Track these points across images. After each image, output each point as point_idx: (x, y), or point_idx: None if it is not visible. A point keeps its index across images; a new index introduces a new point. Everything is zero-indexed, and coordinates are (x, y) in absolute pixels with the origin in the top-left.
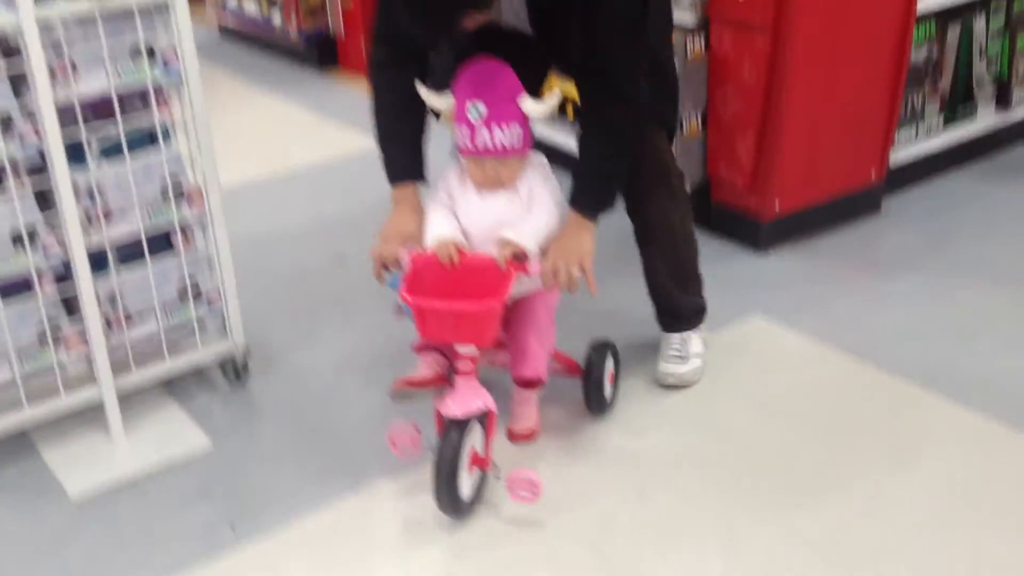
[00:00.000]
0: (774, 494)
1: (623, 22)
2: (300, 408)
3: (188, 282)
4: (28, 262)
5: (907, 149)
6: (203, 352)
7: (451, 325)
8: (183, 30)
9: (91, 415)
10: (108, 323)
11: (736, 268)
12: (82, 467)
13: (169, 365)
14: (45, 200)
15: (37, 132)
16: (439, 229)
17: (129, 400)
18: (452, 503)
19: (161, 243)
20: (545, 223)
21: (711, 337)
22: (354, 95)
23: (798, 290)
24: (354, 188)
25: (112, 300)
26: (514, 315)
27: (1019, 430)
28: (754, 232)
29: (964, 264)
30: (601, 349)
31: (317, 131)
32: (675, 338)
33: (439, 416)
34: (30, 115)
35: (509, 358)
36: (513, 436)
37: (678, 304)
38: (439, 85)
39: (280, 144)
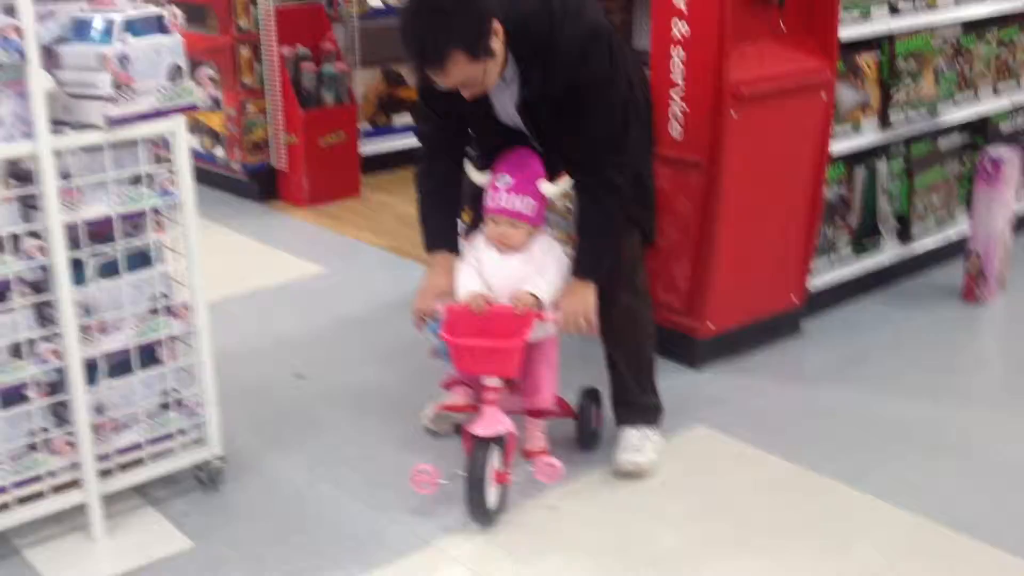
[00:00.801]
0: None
1: (607, 119)
2: (276, 510)
3: (170, 392)
4: (25, 372)
5: (822, 276)
6: (182, 458)
7: (483, 359)
8: (182, 159)
9: (72, 518)
10: (95, 429)
11: (676, 383)
12: (67, 567)
13: (150, 470)
14: (41, 314)
15: (41, 250)
16: (469, 284)
17: (110, 505)
18: (481, 510)
19: (147, 355)
20: (555, 280)
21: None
22: (296, 225)
23: (733, 402)
24: (304, 309)
25: (100, 409)
26: (529, 356)
27: (942, 523)
28: (690, 350)
29: (877, 379)
30: (590, 394)
31: (264, 258)
32: (634, 433)
33: (467, 436)
34: (34, 235)
35: (523, 393)
36: (528, 454)
37: (636, 399)
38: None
39: (230, 269)
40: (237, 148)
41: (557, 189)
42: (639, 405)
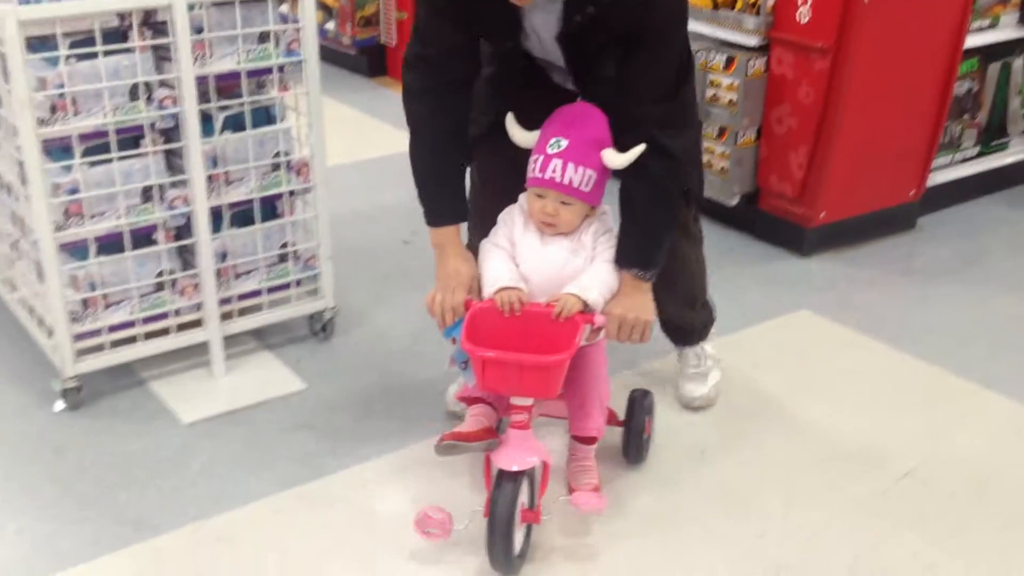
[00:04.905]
0: (827, 461)
1: (664, 72)
2: (383, 363)
3: (288, 245)
4: (154, 215)
5: (943, 173)
6: (297, 307)
7: (516, 378)
8: (308, 19)
9: (195, 356)
10: (217, 274)
11: (782, 269)
12: (190, 399)
13: (267, 316)
14: (170, 162)
15: (173, 100)
16: (499, 275)
17: (229, 347)
18: (506, 559)
19: (267, 209)
20: (609, 278)
21: (757, 332)
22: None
23: (841, 290)
24: (410, 181)
25: (223, 256)
26: (574, 370)
27: None
28: (799, 238)
29: (995, 278)
30: (641, 399)
31: (373, 131)
32: (690, 354)
33: (490, 470)
34: (166, 85)
35: (568, 414)
36: (575, 493)
37: (690, 322)
38: (482, 112)
39: (339, 140)
40: (348, 23)
41: (623, 159)
42: (693, 328)
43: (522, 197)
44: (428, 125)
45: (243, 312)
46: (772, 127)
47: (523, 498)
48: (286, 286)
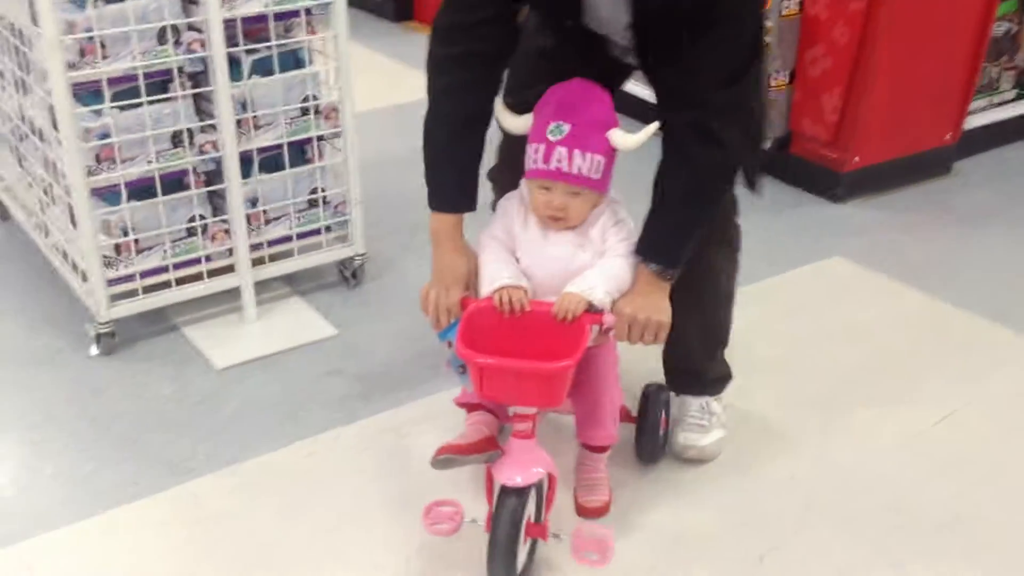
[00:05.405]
0: (855, 406)
1: (733, 52)
2: (413, 310)
3: (318, 190)
4: (184, 160)
5: (980, 117)
6: (327, 253)
7: (516, 386)
8: None
9: (227, 302)
10: (248, 220)
11: (814, 215)
12: (223, 344)
13: (298, 262)
14: (199, 107)
15: (201, 44)
16: (498, 271)
17: (260, 292)
18: None
19: (296, 154)
20: (619, 272)
21: (788, 279)
22: None
23: (875, 236)
24: None
25: (253, 201)
26: (582, 373)
27: None
28: (832, 183)
29: None
30: (656, 393)
31: (401, 77)
32: (694, 404)
33: (491, 483)
34: (194, 29)
35: (576, 420)
36: (584, 511)
37: (703, 369)
38: (515, 99)
39: (367, 85)
40: None
41: (634, 139)
42: (705, 376)
43: (523, 185)
44: (450, 99)
45: (274, 258)
46: (806, 69)
47: (528, 511)
48: (316, 232)
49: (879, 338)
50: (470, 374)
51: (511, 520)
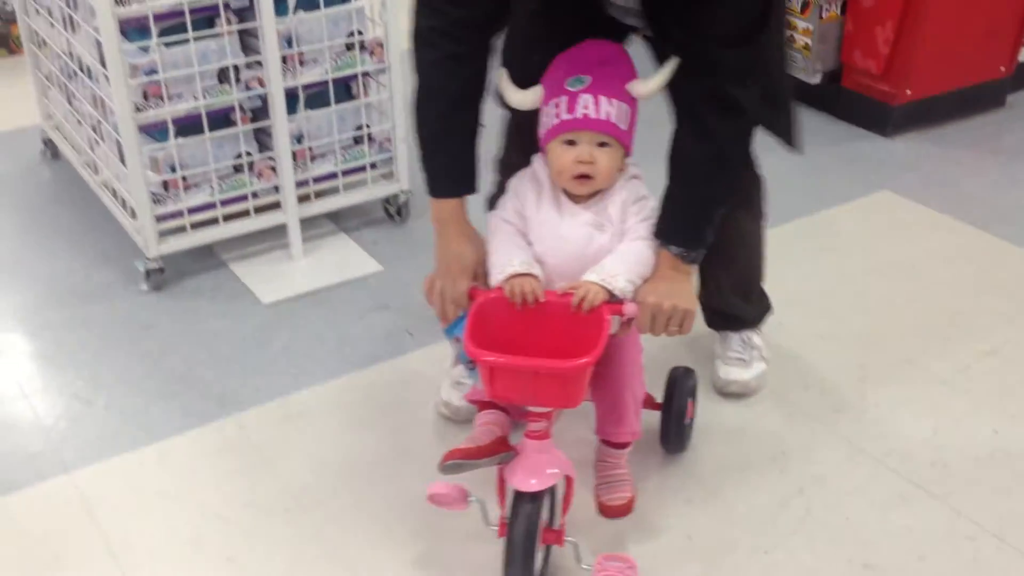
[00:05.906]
0: (906, 339)
1: (740, 13)
2: None
3: (363, 127)
4: (230, 97)
5: None
6: (372, 190)
7: (530, 386)
8: None
9: (273, 239)
10: (294, 157)
11: (864, 149)
12: (270, 280)
13: (344, 199)
14: (245, 43)
15: None
16: (509, 258)
17: (306, 229)
18: None
19: (341, 91)
20: (642, 258)
21: (836, 213)
22: None
23: (925, 170)
24: None
25: (299, 138)
26: (602, 366)
27: None
28: (883, 117)
29: None
30: (683, 378)
31: None
32: (735, 339)
33: (503, 485)
34: None
35: (596, 415)
36: (606, 510)
37: (740, 313)
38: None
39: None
40: None
41: (652, 84)
42: (743, 316)
43: (536, 163)
44: (440, 74)
45: (319, 195)
46: (858, 1)
47: (543, 515)
48: (362, 169)
49: (926, 273)
50: (479, 372)
51: (527, 527)
